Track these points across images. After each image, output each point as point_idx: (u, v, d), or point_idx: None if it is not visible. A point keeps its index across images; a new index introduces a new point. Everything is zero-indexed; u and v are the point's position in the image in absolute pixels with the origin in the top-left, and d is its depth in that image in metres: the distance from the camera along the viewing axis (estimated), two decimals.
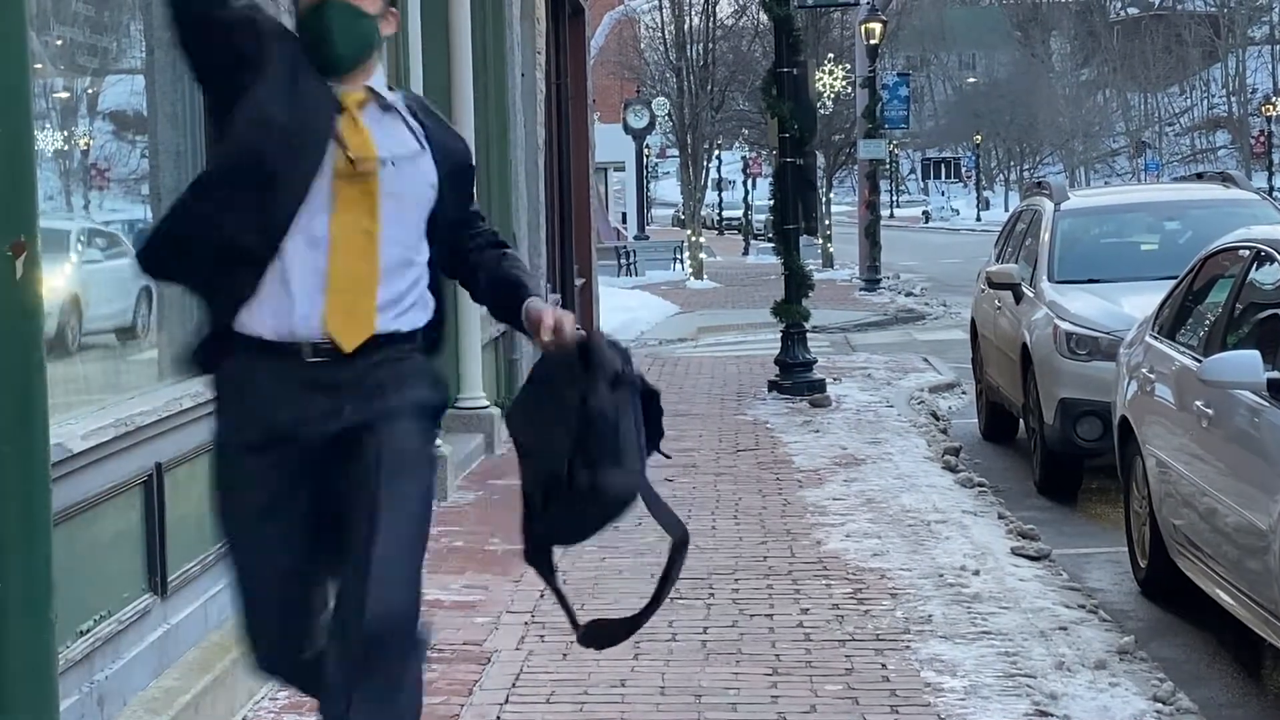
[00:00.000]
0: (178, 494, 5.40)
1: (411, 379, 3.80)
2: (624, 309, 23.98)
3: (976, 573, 7.41)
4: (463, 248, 3.97)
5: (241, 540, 3.85)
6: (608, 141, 35.86)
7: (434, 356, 3.95)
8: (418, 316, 3.85)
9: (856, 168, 37.49)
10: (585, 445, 3.66)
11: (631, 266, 36.25)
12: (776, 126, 14.27)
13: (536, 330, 3.74)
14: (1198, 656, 6.74)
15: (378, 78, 3.81)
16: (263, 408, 3.73)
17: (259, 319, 3.69)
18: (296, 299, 3.68)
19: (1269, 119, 73.00)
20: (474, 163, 4.02)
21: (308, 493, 3.77)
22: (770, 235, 18.99)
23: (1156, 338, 7.84)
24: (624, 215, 51.26)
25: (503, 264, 3.96)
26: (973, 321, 13.34)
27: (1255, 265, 6.96)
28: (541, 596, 7.09)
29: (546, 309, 3.78)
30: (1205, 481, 6.59)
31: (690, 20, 39.77)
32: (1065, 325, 10.11)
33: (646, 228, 51.34)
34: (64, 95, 5.48)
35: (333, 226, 3.68)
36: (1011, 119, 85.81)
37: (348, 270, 3.70)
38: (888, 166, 69.81)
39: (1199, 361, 6.71)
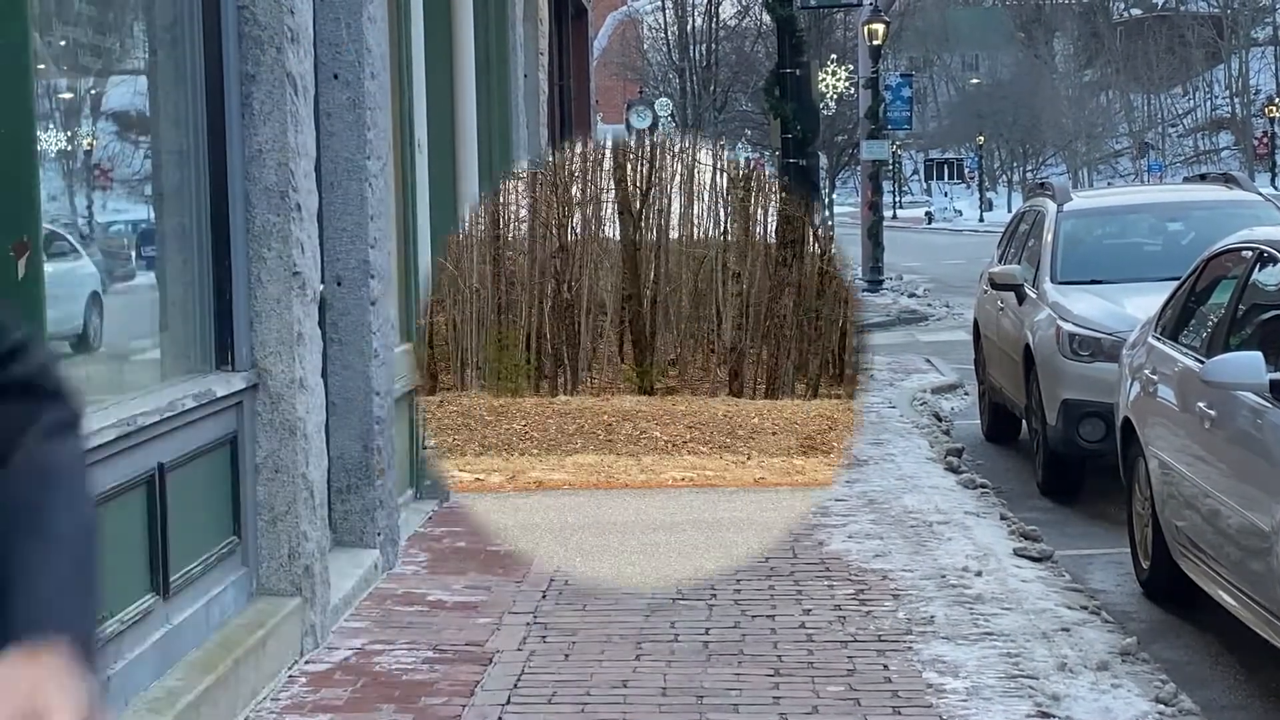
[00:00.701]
0: (180, 494, 5.40)
1: None
2: None
3: (979, 574, 7.41)
4: None
5: None
6: None
7: None
8: None
9: (859, 168, 37.45)
10: None
11: None
12: (779, 127, 14.30)
13: None
14: (1200, 658, 6.73)
15: None
16: None
17: None
18: None
19: (1272, 120, 73.01)
20: None
21: None
22: None
23: (1159, 339, 7.84)
24: None
25: None
26: (975, 322, 13.33)
27: (1258, 266, 6.96)
28: (543, 597, 7.10)
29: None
30: (1207, 483, 6.58)
31: (693, 21, 39.85)
32: (1068, 326, 10.11)
33: None
34: (67, 96, 5.48)
35: None
36: (1014, 120, 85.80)
37: None
38: (890, 167, 69.74)
39: (1201, 363, 6.71)
